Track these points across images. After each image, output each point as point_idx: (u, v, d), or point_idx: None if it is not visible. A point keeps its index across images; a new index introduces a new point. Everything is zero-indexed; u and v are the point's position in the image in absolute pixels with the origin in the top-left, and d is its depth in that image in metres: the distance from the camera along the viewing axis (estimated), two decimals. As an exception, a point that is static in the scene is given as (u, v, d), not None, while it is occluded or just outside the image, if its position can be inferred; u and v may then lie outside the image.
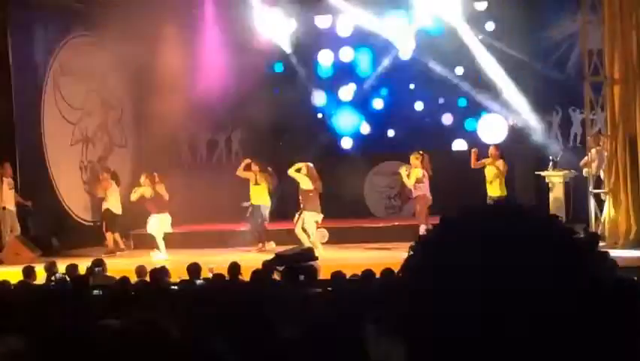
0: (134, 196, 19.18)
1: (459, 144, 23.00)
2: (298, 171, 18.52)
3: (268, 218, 19.33)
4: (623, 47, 17.22)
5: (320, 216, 18.41)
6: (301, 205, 18.32)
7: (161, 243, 18.85)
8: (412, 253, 1.34)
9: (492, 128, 22.28)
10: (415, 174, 18.49)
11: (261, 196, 19.20)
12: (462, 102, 22.77)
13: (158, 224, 18.96)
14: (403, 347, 1.29)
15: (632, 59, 17.18)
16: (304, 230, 18.19)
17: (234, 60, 20.80)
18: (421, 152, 19.00)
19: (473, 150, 18.94)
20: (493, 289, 1.23)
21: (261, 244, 18.90)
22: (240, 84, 21.30)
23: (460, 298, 1.24)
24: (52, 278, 12.83)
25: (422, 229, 17.47)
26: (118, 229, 19.90)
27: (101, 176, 20.44)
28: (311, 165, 18.67)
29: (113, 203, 19.88)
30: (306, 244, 17.70)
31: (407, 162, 19.32)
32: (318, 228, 18.72)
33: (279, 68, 23.30)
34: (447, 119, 23.01)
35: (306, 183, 18.32)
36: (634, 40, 17.15)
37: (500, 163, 18.43)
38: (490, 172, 18.50)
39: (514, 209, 1.32)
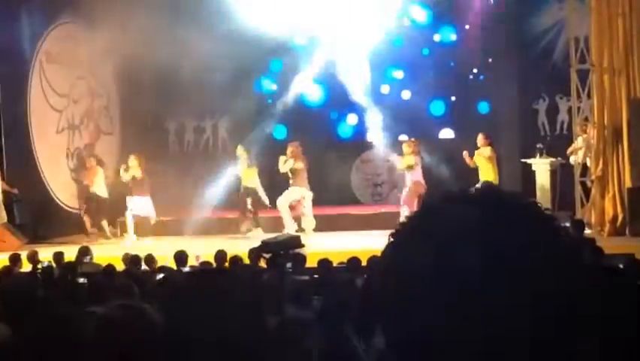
0: (126, 176, 19.21)
1: (446, 133, 23.06)
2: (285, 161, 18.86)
3: (266, 201, 19.37)
4: (609, 34, 17.24)
5: (310, 194, 18.69)
6: (290, 182, 18.66)
7: (131, 226, 18.98)
8: (391, 239, 1.34)
9: None
10: (407, 161, 18.53)
11: (254, 179, 19.30)
12: (450, 92, 22.83)
13: (138, 207, 19.11)
14: (382, 336, 1.30)
15: (618, 47, 17.20)
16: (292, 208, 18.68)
17: (222, 48, 20.72)
18: (413, 139, 19.11)
19: (465, 153, 18.83)
20: (472, 277, 1.23)
21: (246, 229, 18.98)
22: (227, 71, 21.25)
23: (438, 286, 1.24)
24: (39, 266, 12.83)
25: (403, 212, 17.64)
26: (105, 215, 19.88)
27: (87, 163, 20.40)
28: (295, 144, 18.99)
29: (100, 189, 19.87)
30: (287, 221, 18.51)
31: (394, 149, 19.42)
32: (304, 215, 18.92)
33: (267, 57, 23.22)
34: (435, 108, 23.05)
35: (294, 165, 18.62)
36: (620, 28, 17.18)
37: (488, 150, 18.42)
38: (479, 160, 18.50)
39: (495, 195, 1.33)
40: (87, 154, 21.05)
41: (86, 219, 19.78)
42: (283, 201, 18.70)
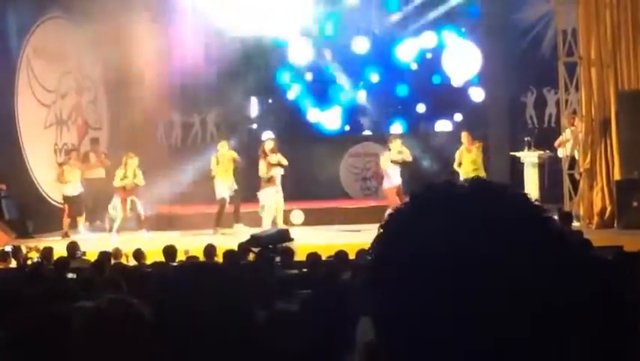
0: (128, 182, 19.04)
1: (443, 126, 23.16)
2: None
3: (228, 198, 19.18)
4: (597, 27, 17.28)
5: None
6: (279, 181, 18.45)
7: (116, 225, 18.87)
8: (381, 230, 1.34)
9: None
10: (402, 155, 18.27)
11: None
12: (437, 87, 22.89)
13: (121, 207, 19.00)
14: (372, 326, 1.30)
15: (606, 39, 17.24)
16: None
17: (209, 42, 20.73)
18: (398, 134, 19.11)
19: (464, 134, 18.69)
20: (463, 265, 1.23)
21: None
22: (215, 66, 21.25)
23: (429, 275, 1.25)
24: (29, 262, 12.83)
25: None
26: (78, 212, 19.75)
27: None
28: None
29: (69, 186, 19.71)
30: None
31: (382, 142, 19.39)
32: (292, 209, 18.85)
33: (254, 53, 23.18)
34: (421, 107, 23.09)
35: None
36: (608, 20, 17.21)
37: (479, 152, 18.33)
38: (467, 159, 18.36)
39: (484, 185, 1.33)
40: (70, 150, 20.98)
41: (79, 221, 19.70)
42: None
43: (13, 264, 13.15)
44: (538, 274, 1.24)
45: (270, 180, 18.23)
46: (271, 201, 18.19)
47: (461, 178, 17.65)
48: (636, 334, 4.26)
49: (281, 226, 17.72)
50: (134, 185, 18.76)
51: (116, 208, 18.89)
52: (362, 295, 1.36)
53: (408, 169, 18.40)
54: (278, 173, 18.32)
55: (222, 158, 18.97)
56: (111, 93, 22.86)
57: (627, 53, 17.19)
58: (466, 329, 1.23)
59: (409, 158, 18.12)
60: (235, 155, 19.06)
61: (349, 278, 8.22)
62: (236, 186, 18.95)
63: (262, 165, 18.26)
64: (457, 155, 18.53)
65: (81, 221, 19.65)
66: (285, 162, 18.33)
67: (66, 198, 19.63)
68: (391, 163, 18.01)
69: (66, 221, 19.49)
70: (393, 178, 18.02)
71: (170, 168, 21.16)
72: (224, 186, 18.82)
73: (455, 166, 18.45)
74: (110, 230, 19.15)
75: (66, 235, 18.71)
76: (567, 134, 18.03)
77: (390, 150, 18.20)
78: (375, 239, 1.34)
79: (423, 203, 1.32)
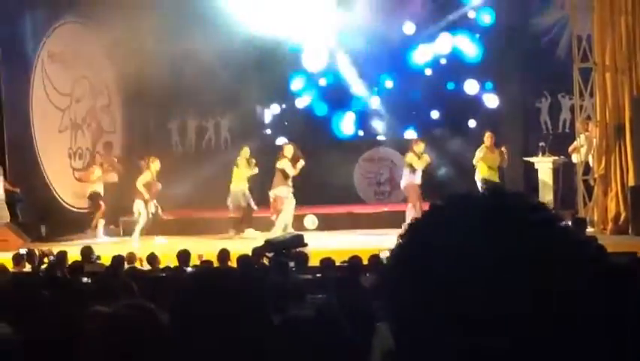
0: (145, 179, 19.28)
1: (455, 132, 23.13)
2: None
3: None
4: (612, 32, 17.24)
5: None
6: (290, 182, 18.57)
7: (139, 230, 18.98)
8: (401, 240, 1.35)
9: None
10: (425, 159, 18.34)
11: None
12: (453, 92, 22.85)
13: (146, 211, 19.07)
14: (391, 333, 1.30)
15: (621, 45, 17.20)
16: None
17: (224, 46, 20.74)
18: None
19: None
20: (481, 275, 1.24)
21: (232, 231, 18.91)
22: (228, 71, 21.27)
23: (447, 285, 1.25)
24: (45, 259, 12.90)
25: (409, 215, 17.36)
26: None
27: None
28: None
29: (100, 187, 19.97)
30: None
31: (396, 147, 19.39)
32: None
33: (268, 58, 23.18)
34: (435, 113, 23.04)
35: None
36: (623, 27, 17.17)
37: (498, 153, 18.37)
38: (486, 161, 18.32)
39: (502, 196, 1.33)
40: (93, 153, 21.18)
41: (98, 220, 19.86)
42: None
43: (28, 267, 13.19)
44: (555, 281, 1.24)
45: (286, 178, 18.41)
46: (291, 202, 18.39)
47: (477, 177, 17.89)
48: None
49: (290, 229, 17.82)
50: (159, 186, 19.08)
51: (141, 212, 19.05)
52: (380, 302, 1.37)
53: (422, 175, 18.40)
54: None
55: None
56: (125, 98, 22.91)
57: (642, 58, 17.17)
58: (484, 337, 1.23)
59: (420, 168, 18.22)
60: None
61: (365, 284, 8.22)
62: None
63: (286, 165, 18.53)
64: (478, 152, 18.37)
65: (101, 224, 19.77)
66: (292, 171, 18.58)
67: (96, 196, 19.79)
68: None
69: (97, 221, 19.72)
70: (416, 176, 18.10)
71: (183, 172, 21.18)
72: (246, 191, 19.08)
73: (475, 162, 18.34)
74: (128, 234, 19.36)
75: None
76: (581, 139, 18.00)
77: (414, 151, 18.22)
78: (394, 248, 1.35)
79: (443, 214, 1.33)
